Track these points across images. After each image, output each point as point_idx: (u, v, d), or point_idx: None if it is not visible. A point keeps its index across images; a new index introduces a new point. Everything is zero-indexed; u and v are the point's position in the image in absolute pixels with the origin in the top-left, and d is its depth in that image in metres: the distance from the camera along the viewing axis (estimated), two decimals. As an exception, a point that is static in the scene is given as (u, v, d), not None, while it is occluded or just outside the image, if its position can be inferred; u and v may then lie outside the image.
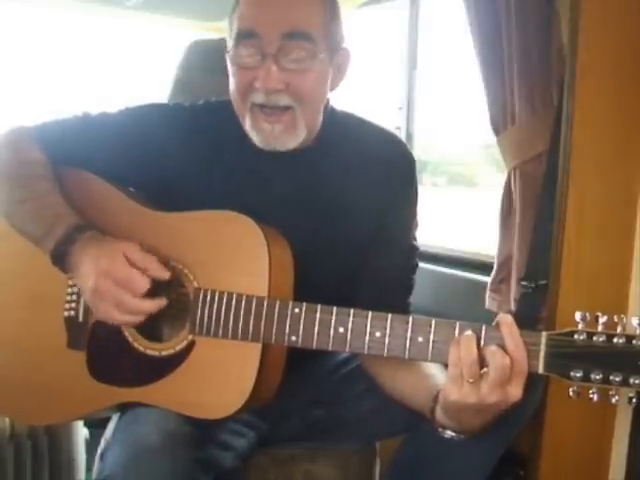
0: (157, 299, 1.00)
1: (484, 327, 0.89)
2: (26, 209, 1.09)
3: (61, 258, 1.03)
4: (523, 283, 1.61)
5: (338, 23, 1.09)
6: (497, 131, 1.78)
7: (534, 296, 1.56)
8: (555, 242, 1.30)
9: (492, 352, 0.86)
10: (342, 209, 1.13)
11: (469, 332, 0.88)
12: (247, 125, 1.07)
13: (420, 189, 1.21)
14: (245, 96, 1.05)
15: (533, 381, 0.91)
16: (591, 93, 1.25)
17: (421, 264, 1.22)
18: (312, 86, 1.05)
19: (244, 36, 1.03)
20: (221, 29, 2.51)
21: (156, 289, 1.04)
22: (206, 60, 1.65)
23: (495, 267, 1.84)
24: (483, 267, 2.00)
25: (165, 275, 1.00)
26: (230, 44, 1.06)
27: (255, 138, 1.07)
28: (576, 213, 1.28)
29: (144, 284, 0.98)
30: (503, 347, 0.86)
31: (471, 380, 0.87)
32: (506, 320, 0.88)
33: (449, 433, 0.97)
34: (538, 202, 1.63)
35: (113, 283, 0.97)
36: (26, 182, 1.11)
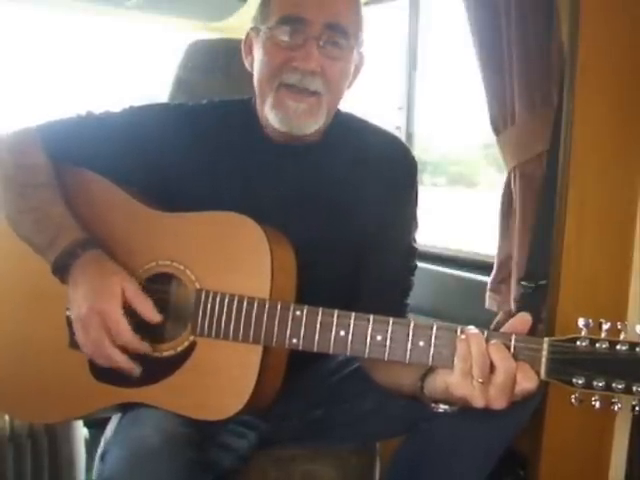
0: (132, 362, 1.00)
1: (486, 332, 0.88)
2: (29, 219, 1.09)
3: (62, 271, 1.03)
4: (523, 283, 1.61)
5: (363, 27, 1.13)
6: (497, 131, 1.78)
7: (534, 296, 1.56)
8: (555, 242, 1.30)
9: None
10: (343, 208, 1.14)
11: (474, 329, 0.88)
12: (267, 105, 1.08)
13: (420, 189, 1.22)
14: (275, 75, 1.06)
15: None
16: (591, 92, 1.25)
17: (421, 264, 1.22)
18: (341, 76, 1.09)
19: (289, 19, 1.05)
20: (221, 29, 2.51)
21: (156, 291, 1.05)
22: (206, 60, 1.64)
23: (495, 267, 1.84)
24: (483, 267, 2.00)
25: (157, 319, 1.00)
26: (268, 24, 1.07)
27: (274, 119, 1.08)
28: (576, 213, 1.28)
29: (126, 338, 0.98)
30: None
31: (480, 380, 0.86)
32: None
33: (442, 407, 0.96)
34: (538, 202, 1.63)
35: (100, 323, 0.98)
36: (29, 191, 1.10)
